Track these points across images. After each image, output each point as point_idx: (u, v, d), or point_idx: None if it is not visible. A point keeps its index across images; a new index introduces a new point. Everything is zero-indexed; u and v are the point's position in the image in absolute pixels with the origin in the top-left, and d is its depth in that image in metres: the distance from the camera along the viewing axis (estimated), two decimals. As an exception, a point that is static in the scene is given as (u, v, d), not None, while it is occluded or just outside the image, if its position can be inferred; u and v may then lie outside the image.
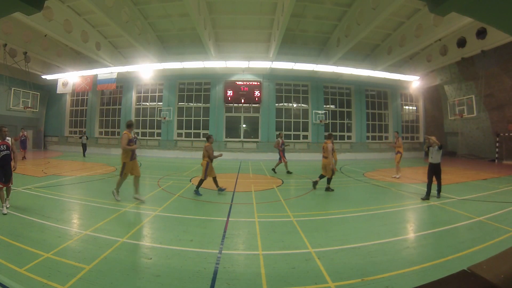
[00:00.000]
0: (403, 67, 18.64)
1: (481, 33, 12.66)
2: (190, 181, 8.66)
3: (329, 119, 19.51)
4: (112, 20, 11.58)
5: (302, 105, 19.50)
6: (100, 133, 20.96)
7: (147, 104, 20.31)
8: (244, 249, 3.66)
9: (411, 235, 4.28)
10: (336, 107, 20.03)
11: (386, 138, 20.55)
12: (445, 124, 20.46)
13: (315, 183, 7.63)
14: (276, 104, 19.05)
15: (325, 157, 7.49)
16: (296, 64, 15.97)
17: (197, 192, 6.66)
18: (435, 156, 6.46)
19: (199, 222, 4.75)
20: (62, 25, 12.85)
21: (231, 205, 5.85)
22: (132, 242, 3.71)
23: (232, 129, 19.06)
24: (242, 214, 5.24)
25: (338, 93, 20.11)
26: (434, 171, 6.43)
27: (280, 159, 10.84)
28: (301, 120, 19.36)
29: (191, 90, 19.71)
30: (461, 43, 13.94)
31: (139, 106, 20.34)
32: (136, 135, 17.93)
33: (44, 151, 19.80)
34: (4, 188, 4.88)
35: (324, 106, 19.26)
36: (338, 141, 18.82)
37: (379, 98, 20.80)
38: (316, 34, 16.11)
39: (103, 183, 8.27)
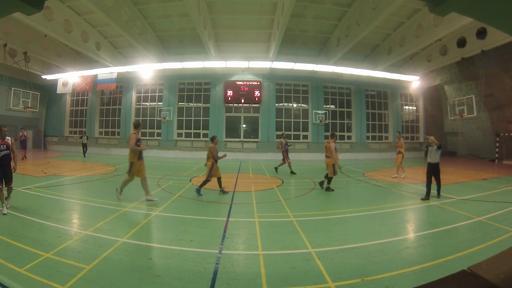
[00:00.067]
0: (403, 67, 18.65)
1: (481, 33, 12.66)
2: (190, 181, 8.66)
3: (329, 119, 19.51)
4: (112, 20, 11.58)
5: (302, 105, 19.51)
6: (100, 133, 20.96)
7: (147, 104, 20.31)
8: (244, 249, 3.66)
9: (411, 235, 4.28)
10: (336, 107, 20.03)
11: (386, 138, 20.56)
12: (445, 124, 20.46)
13: (321, 183, 7.64)
14: (276, 104, 19.06)
15: (327, 156, 7.48)
16: (296, 64, 15.97)
17: (198, 191, 6.66)
18: (433, 156, 6.46)
19: (199, 222, 4.75)
20: (62, 25, 12.86)
21: (231, 205, 5.84)
22: (132, 242, 3.70)
23: (232, 129, 19.07)
24: (242, 214, 5.23)
25: (338, 93, 20.11)
26: (433, 171, 6.43)
27: (283, 159, 10.85)
28: (301, 120, 19.36)
29: (191, 90, 19.71)
30: (461, 43, 13.94)
31: (139, 106, 20.34)
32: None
33: (44, 151, 19.80)
34: (5, 188, 4.87)
35: (324, 106, 19.27)
36: (338, 141, 18.79)
37: (379, 98, 20.80)
38: (316, 34, 16.11)
39: (103, 183, 8.27)
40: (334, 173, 7.39)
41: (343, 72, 17.08)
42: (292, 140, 18.36)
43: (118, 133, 20.29)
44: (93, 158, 15.36)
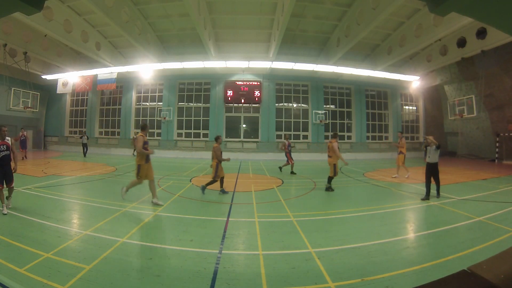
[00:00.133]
0: (403, 67, 18.65)
1: (481, 33, 12.66)
2: (190, 181, 8.66)
3: (329, 119, 19.52)
4: (112, 20, 11.58)
5: (302, 105, 19.51)
6: (100, 133, 20.97)
7: (147, 104, 20.32)
8: (244, 249, 3.66)
9: (411, 235, 4.28)
10: (336, 107, 20.03)
11: (386, 138, 20.57)
12: (445, 124, 20.46)
13: (329, 187, 7.60)
14: (276, 104, 19.06)
15: (330, 156, 7.47)
16: (296, 64, 15.97)
17: (203, 189, 6.70)
18: (432, 156, 6.46)
19: (199, 222, 4.74)
20: (62, 25, 12.86)
21: (231, 205, 5.84)
22: (132, 242, 3.71)
23: (232, 129, 19.07)
24: (242, 214, 5.23)
25: (338, 93, 20.11)
26: (432, 171, 6.43)
27: (288, 160, 10.84)
28: (301, 120, 19.37)
29: (191, 90, 19.71)
30: (461, 43, 13.94)
31: (139, 106, 20.35)
32: (136, 135, 17.92)
33: (44, 151, 19.80)
34: (6, 188, 4.85)
35: (324, 106, 19.27)
36: (338, 141, 18.78)
37: (379, 98, 20.80)
38: (316, 34, 16.12)
39: (103, 183, 8.27)
40: (335, 173, 7.40)
41: (343, 72, 17.08)
42: (292, 140, 18.35)
43: (118, 133, 20.30)
44: (93, 158, 15.36)
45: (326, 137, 19.07)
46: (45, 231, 3.94)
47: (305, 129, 19.25)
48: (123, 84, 19.70)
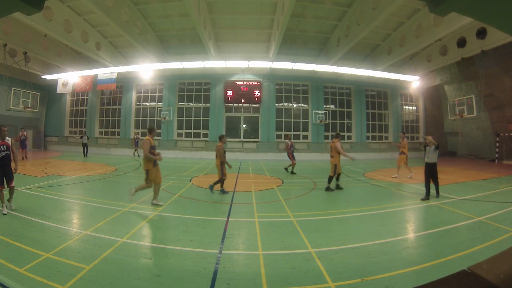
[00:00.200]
0: (403, 67, 18.64)
1: (481, 33, 12.66)
2: (190, 181, 8.66)
3: (329, 119, 19.52)
4: (112, 20, 11.58)
5: (302, 105, 19.51)
6: (100, 133, 20.97)
7: (147, 104, 20.32)
8: (244, 249, 3.66)
9: (411, 235, 4.28)
10: (336, 107, 20.03)
11: (386, 138, 20.57)
12: (445, 124, 20.46)
13: (337, 186, 7.59)
14: (276, 104, 19.06)
15: (332, 156, 7.48)
16: (296, 64, 15.97)
17: (211, 188, 6.73)
18: (431, 156, 6.47)
19: (199, 222, 4.75)
20: (62, 25, 12.86)
21: (231, 205, 5.85)
22: (132, 242, 3.70)
23: (232, 129, 19.07)
24: (242, 214, 5.23)
25: (338, 93, 20.12)
26: (430, 171, 6.43)
27: (291, 160, 10.84)
28: (301, 120, 19.37)
29: (191, 90, 19.71)
30: (461, 43, 13.94)
31: (139, 106, 20.35)
32: (137, 135, 17.93)
33: (44, 151, 19.80)
34: (7, 188, 4.82)
35: (324, 106, 19.27)
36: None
37: (379, 98, 20.80)
38: (316, 34, 16.12)
39: (103, 183, 8.27)
40: (335, 173, 7.40)
41: (343, 72, 17.08)
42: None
43: (118, 133, 20.30)
44: (93, 158, 15.36)
45: (326, 137, 19.08)
46: (45, 231, 3.94)
47: (305, 129, 19.25)
48: (123, 84, 19.70)
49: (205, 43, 13.83)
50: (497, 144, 16.47)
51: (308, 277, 2.86)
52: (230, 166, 7.06)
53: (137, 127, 20.06)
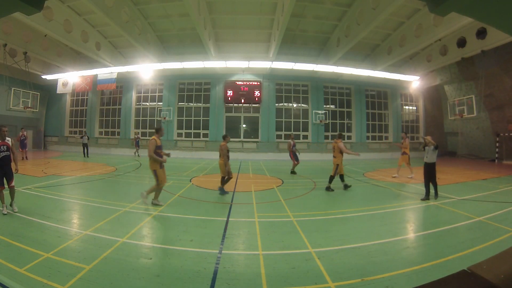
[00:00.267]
0: (403, 67, 18.64)
1: (481, 33, 12.66)
2: (190, 181, 8.66)
3: (329, 119, 19.51)
4: (112, 20, 11.58)
5: (302, 105, 19.51)
6: (100, 133, 20.97)
7: (147, 104, 20.32)
8: (244, 249, 3.66)
9: (411, 235, 4.29)
10: (336, 107, 20.03)
11: (386, 138, 20.56)
12: (445, 124, 20.46)
13: (345, 186, 7.59)
14: (276, 104, 19.06)
15: (335, 156, 7.50)
16: (296, 64, 15.97)
17: (221, 190, 6.72)
18: (430, 156, 6.48)
19: (199, 222, 4.75)
20: (62, 25, 12.86)
21: (231, 205, 5.85)
22: (132, 242, 3.70)
23: (232, 129, 19.05)
24: (242, 214, 5.23)
25: (338, 93, 20.11)
26: (429, 171, 6.44)
27: (297, 160, 10.82)
28: (301, 120, 19.36)
29: (191, 90, 19.71)
30: (461, 43, 13.94)
31: (139, 106, 20.35)
32: (137, 135, 17.94)
33: (44, 151, 19.80)
34: (8, 189, 4.79)
35: (324, 106, 19.27)
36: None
37: (379, 98, 20.80)
38: (316, 34, 16.11)
39: (103, 183, 8.27)
40: (335, 173, 7.41)
41: (343, 72, 17.07)
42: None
43: (118, 133, 20.30)
44: (93, 158, 15.36)
45: (326, 137, 19.08)
46: (45, 231, 3.94)
47: (305, 129, 19.24)
48: (123, 84, 19.69)
49: (205, 43, 13.83)
50: (497, 144, 16.47)
51: (308, 277, 2.86)
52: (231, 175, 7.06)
53: (137, 127, 20.06)
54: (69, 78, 18.31)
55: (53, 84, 19.20)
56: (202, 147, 18.67)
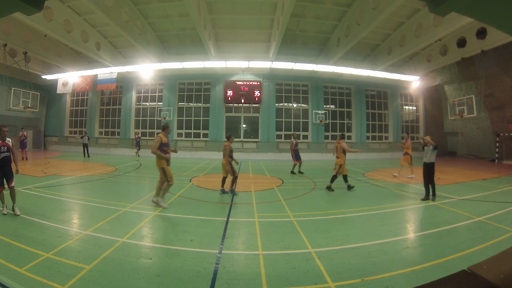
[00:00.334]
0: (403, 67, 18.64)
1: (481, 33, 12.66)
2: (190, 181, 8.66)
3: (329, 119, 19.51)
4: (112, 20, 11.58)
5: (302, 105, 19.50)
6: (100, 133, 20.97)
7: (147, 104, 20.32)
8: (244, 249, 3.66)
9: (411, 235, 4.29)
10: (336, 107, 20.03)
11: (386, 138, 20.57)
12: (445, 124, 20.46)
13: (349, 186, 7.56)
14: (276, 104, 19.05)
15: (338, 157, 7.52)
16: (296, 64, 15.97)
17: (232, 192, 6.70)
18: (429, 156, 6.48)
19: (199, 222, 4.74)
20: (62, 25, 12.86)
21: (231, 205, 5.85)
22: (132, 242, 3.70)
23: (232, 129, 19.05)
24: (242, 214, 5.24)
25: (338, 93, 20.11)
26: (428, 171, 6.44)
27: (298, 159, 10.80)
28: (301, 120, 19.36)
29: (191, 90, 19.71)
30: (461, 43, 13.94)
31: (139, 106, 20.34)
32: (138, 135, 17.94)
33: (44, 151, 19.80)
34: (8, 189, 4.76)
35: (324, 106, 19.27)
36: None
37: (379, 98, 20.80)
38: (316, 34, 16.11)
39: (103, 183, 8.27)
40: (338, 173, 7.44)
41: (343, 72, 17.07)
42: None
43: (118, 133, 20.30)
44: (93, 158, 15.36)
45: (326, 137, 19.08)
46: (45, 231, 3.94)
47: (305, 129, 19.24)
48: (123, 84, 19.69)
49: (205, 43, 13.83)
50: (497, 144, 16.47)
51: (308, 277, 2.86)
52: (235, 164, 7.10)
53: (137, 127, 20.06)
54: (69, 78, 18.31)
55: (53, 84, 19.20)
56: (202, 147, 18.67)
